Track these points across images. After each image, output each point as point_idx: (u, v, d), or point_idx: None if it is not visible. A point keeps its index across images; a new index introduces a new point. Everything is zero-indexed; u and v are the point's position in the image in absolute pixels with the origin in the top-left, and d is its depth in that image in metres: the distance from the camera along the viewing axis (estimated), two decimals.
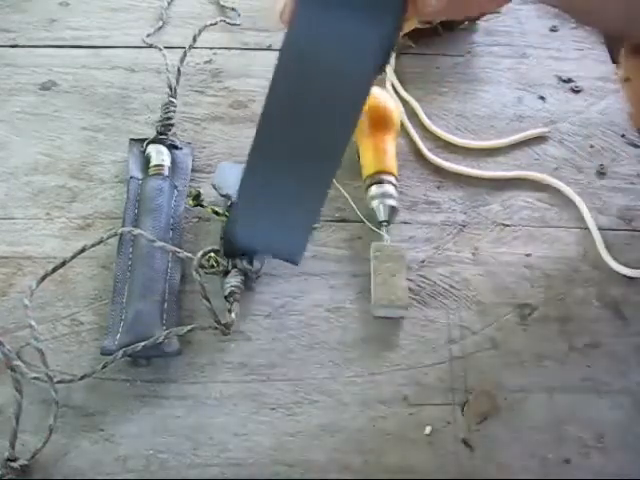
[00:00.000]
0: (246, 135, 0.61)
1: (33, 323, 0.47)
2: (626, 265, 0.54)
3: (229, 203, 0.52)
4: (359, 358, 0.49)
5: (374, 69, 0.34)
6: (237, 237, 0.39)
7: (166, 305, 0.50)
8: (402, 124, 0.61)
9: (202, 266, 0.49)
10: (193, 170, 0.58)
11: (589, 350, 0.50)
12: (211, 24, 0.67)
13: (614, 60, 0.69)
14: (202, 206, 0.53)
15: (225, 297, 0.49)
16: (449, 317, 0.51)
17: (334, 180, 0.40)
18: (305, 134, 0.35)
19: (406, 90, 0.65)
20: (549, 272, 0.54)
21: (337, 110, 0.34)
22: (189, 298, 0.51)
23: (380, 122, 0.57)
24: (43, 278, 0.49)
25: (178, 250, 0.51)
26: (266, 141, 0.36)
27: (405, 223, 0.56)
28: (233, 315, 0.48)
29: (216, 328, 0.47)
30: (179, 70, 0.62)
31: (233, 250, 0.49)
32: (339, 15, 0.32)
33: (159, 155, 0.57)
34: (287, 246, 0.39)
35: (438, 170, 0.60)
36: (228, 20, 0.69)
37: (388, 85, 0.65)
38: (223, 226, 0.52)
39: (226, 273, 0.50)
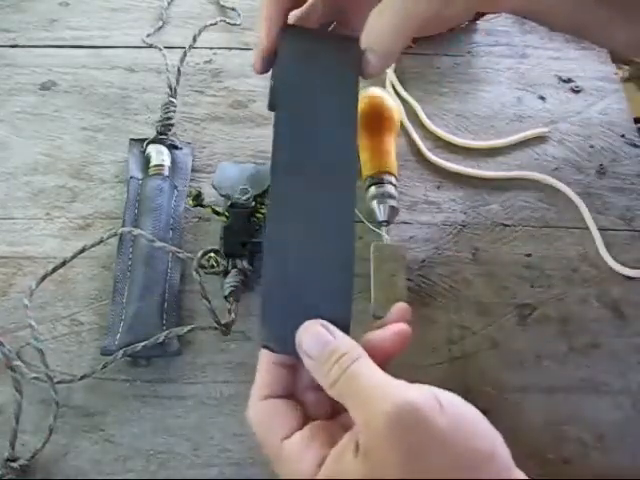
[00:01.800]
0: (246, 135, 0.61)
1: (33, 323, 0.47)
2: (626, 265, 0.54)
3: (229, 203, 0.52)
4: None
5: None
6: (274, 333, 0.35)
7: (166, 305, 0.50)
8: (402, 124, 0.61)
9: (202, 266, 0.49)
10: (193, 170, 0.58)
11: (589, 350, 0.50)
12: (211, 24, 0.67)
13: (614, 60, 0.69)
14: (202, 206, 0.53)
15: (225, 297, 0.49)
16: (449, 317, 0.51)
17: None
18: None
19: (406, 90, 0.65)
20: (549, 272, 0.54)
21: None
22: (189, 298, 0.51)
23: (380, 122, 0.56)
24: (43, 278, 0.49)
25: (178, 250, 0.51)
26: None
27: (405, 223, 0.56)
28: (233, 315, 0.48)
29: (216, 328, 0.47)
30: (179, 70, 0.62)
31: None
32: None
33: (159, 155, 0.57)
34: (331, 309, 0.36)
35: (438, 170, 0.60)
36: (228, 20, 0.69)
37: (388, 85, 0.65)
38: (223, 226, 0.52)
39: (226, 273, 0.50)
